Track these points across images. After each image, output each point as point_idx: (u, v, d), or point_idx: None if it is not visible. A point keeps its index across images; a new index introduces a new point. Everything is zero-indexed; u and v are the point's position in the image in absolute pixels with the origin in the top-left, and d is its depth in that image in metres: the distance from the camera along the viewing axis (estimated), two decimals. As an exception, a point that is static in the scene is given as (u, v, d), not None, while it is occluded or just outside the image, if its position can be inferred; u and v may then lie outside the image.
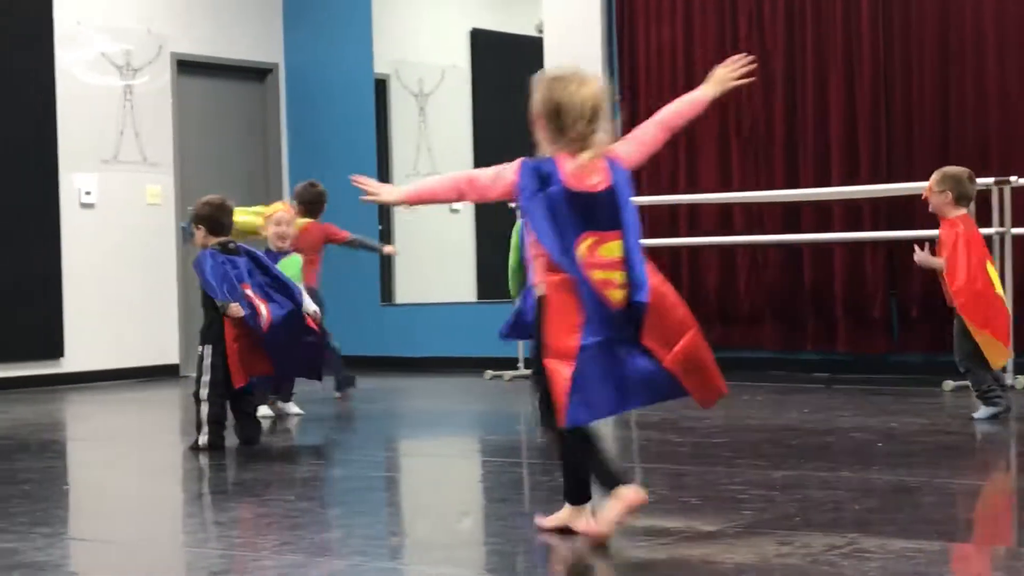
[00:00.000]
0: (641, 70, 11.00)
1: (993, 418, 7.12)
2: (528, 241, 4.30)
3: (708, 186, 10.55)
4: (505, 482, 5.94)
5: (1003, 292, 7.30)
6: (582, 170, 4.23)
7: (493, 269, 12.94)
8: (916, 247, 7.30)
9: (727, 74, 4.54)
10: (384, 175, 12.76)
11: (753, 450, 6.35)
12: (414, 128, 13.23)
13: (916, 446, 6.62)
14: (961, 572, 3.76)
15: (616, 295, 4.20)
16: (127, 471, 6.61)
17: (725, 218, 10.58)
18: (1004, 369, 7.54)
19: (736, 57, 4.57)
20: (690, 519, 4.67)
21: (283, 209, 8.33)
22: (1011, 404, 7.31)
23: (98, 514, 5.47)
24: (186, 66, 12.25)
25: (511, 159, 4.35)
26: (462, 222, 13.35)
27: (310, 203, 9.06)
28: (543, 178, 4.21)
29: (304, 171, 11.77)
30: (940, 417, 7.29)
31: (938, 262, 7.17)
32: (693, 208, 10.69)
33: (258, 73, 12.83)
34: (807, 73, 10.25)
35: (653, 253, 10.79)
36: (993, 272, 7.25)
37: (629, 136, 4.44)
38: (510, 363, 10.80)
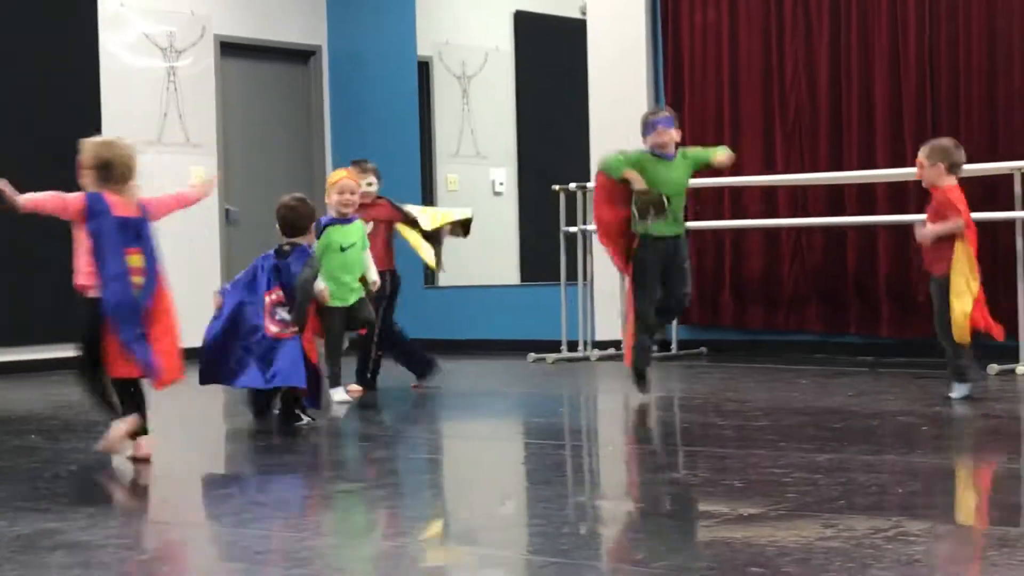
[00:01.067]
0: (685, 53, 10.94)
1: (967, 397, 7.15)
2: (85, 252, 5.90)
3: (752, 170, 10.49)
4: (548, 464, 5.93)
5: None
6: (124, 203, 5.87)
7: (536, 252, 12.94)
8: (916, 227, 7.29)
9: (203, 185, 6.56)
10: (427, 157, 12.77)
11: (797, 433, 6.32)
12: (457, 110, 13.23)
13: (961, 430, 6.59)
14: (1006, 556, 3.73)
15: (139, 292, 5.97)
16: (171, 452, 6.63)
17: (769, 201, 10.52)
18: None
19: (209, 178, 6.46)
20: (733, 502, 4.66)
21: (347, 176, 8.38)
22: (983, 382, 7.37)
23: (142, 494, 5.50)
24: (229, 48, 12.28)
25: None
26: (505, 205, 13.34)
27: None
28: (100, 208, 5.80)
29: (347, 153, 11.78)
30: (985, 400, 7.24)
31: (949, 226, 7.15)
32: (737, 191, 10.64)
33: (301, 55, 12.85)
34: (852, 54, 10.17)
35: (698, 235, 10.84)
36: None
37: (160, 196, 6.18)
38: (553, 346, 10.80)
